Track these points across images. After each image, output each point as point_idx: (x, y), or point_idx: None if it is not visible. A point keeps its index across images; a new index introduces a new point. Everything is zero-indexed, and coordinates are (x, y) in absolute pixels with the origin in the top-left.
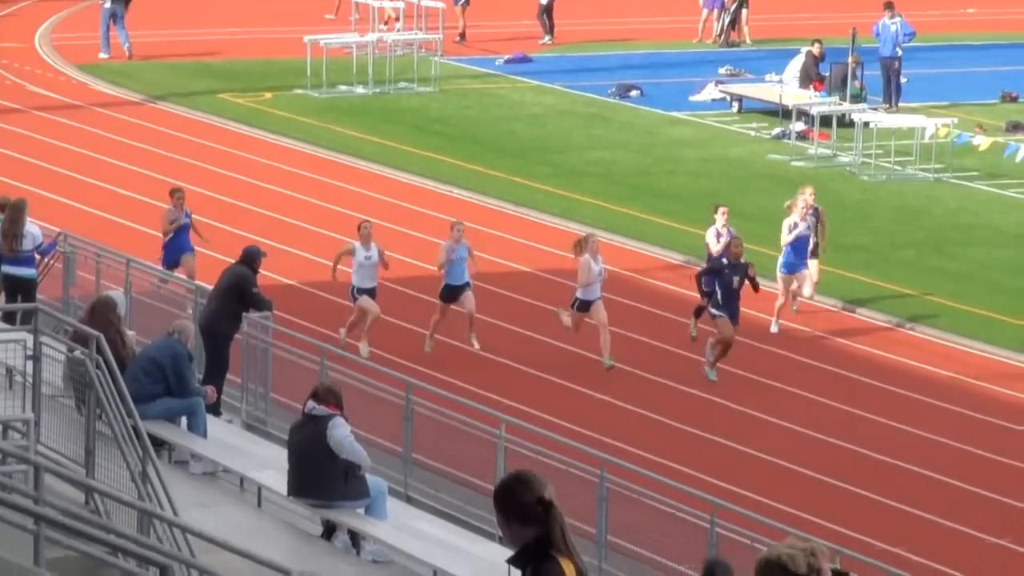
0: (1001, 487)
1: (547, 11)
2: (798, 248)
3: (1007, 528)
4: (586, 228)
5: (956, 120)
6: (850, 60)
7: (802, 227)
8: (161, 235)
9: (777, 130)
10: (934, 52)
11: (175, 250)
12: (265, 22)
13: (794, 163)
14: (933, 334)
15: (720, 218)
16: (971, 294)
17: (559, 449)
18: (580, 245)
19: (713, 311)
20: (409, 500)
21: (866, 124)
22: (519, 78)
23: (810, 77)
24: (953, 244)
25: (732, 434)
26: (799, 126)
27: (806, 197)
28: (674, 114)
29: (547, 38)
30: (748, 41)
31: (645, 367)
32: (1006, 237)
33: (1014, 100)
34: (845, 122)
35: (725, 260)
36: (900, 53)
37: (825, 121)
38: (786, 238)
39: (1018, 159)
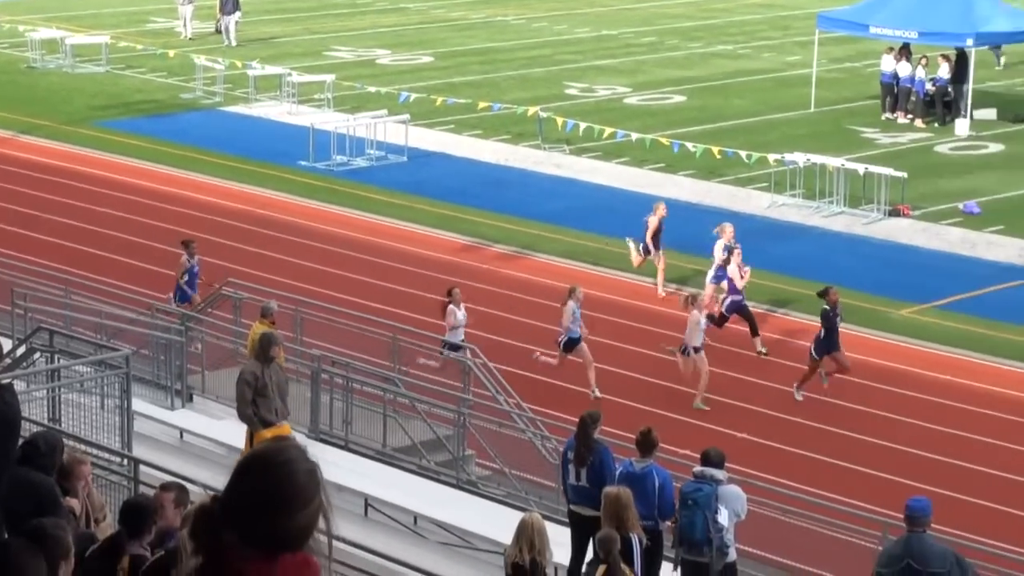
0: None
1: None
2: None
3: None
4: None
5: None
6: None
7: (736, 254)
8: (176, 277)
9: None
10: None
11: (186, 291)
12: None
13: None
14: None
15: (727, 235)
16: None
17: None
18: (688, 301)
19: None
20: None
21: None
22: None
23: None
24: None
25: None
26: None
27: (729, 231)
28: None
29: None
30: None
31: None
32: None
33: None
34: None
35: (827, 306)
36: None
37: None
38: (719, 259)
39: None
